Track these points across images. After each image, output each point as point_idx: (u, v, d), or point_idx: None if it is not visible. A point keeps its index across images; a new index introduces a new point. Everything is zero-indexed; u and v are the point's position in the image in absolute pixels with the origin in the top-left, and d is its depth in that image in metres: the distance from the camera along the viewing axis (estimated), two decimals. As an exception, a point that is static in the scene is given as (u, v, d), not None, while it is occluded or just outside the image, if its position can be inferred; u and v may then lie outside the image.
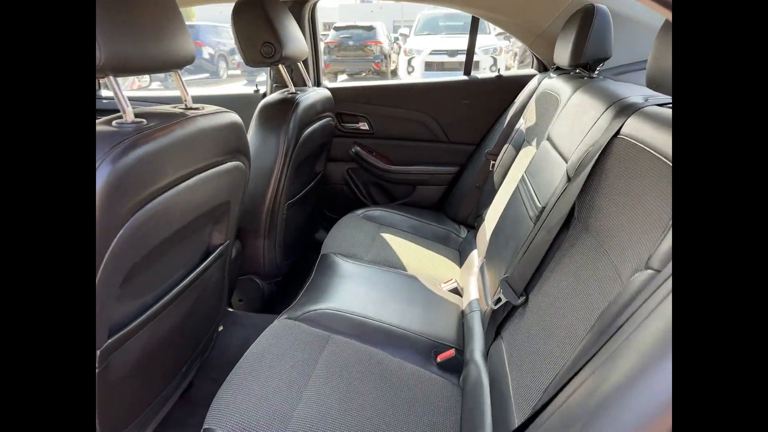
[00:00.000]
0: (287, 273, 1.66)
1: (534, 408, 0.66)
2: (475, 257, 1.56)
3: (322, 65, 1.98)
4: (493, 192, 1.65)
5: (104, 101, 2.14)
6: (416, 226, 1.76)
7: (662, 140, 0.68)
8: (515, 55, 8.09)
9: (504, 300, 0.99)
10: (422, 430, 0.89)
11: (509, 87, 1.82)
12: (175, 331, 0.96)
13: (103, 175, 0.60)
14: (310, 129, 1.51)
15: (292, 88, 1.52)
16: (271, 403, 0.87)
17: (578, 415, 0.47)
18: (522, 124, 1.63)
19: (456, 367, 1.11)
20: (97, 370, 0.71)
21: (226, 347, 1.39)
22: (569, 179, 0.91)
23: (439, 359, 1.11)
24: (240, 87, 2.09)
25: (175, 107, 0.85)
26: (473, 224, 1.79)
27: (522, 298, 0.95)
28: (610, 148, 0.83)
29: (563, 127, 1.12)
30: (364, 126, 1.99)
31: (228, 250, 1.11)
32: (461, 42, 7.60)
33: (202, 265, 0.99)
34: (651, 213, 0.65)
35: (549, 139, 1.20)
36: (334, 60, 9.72)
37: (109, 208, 0.61)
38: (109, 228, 0.62)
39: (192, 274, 0.95)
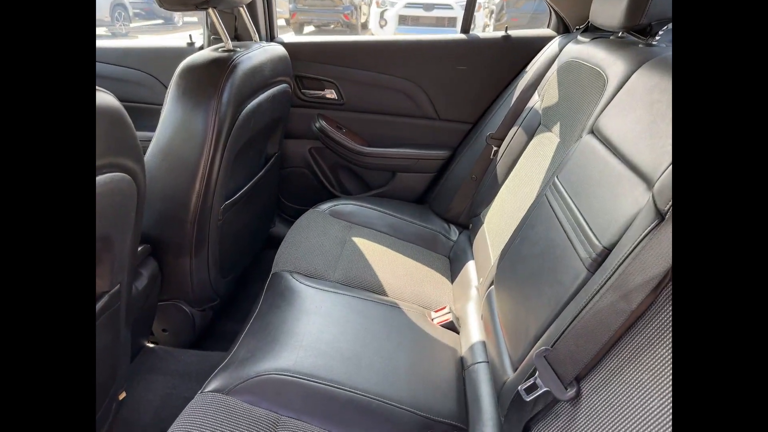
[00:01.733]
0: (227, 293, 1.27)
1: None
2: (472, 273, 1.23)
3: (276, 13, 1.51)
4: (495, 186, 1.30)
5: None
6: (396, 225, 1.40)
7: None
8: (491, 12, 7.58)
9: (542, 389, 0.65)
10: None
11: (520, 51, 1.43)
12: None
13: None
14: (254, 101, 1.09)
15: (229, 44, 1.08)
16: None
17: None
18: (537, 102, 1.26)
19: (459, 459, 0.79)
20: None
21: (139, 406, 1.01)
22: (662, 217, 0.56)
23: (435, 447, 0.79)
24: (175, 38, 1.60)
25: None
26: (467, 224, 1.44)
27: (571, 391, 0.61)
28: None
29: (629, 123, 0.75)
30: (331, 94, 1.57)
31: (117, 299, 0.72)
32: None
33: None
34: None
35: (597, 133, 0.84)
36: (300, 9, 8.91)
37: None
38: None
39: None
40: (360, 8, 9.41)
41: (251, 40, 1.33)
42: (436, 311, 1.12)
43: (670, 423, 0.46)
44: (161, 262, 1.03)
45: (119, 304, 0.73)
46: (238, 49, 1.08)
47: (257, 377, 0.81)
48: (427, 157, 1.57)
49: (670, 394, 0.47)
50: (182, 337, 1.17)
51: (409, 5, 7.57)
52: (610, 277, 0.60)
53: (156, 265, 1.01)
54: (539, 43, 1.39)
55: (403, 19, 7.80)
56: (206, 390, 0.80)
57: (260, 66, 1.10)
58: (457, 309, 1.15)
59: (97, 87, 0.55)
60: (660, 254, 0.53)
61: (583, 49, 1.11)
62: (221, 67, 0.97)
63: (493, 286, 1.02)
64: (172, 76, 0.98)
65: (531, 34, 1.46)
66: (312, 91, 1.56)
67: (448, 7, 7.00)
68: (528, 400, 0.67)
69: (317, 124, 1.58)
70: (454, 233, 1.45)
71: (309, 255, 1.17)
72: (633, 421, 0.50)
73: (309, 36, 1.58)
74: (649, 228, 0.57)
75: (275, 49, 1.24)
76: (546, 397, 0.65)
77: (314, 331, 0.93)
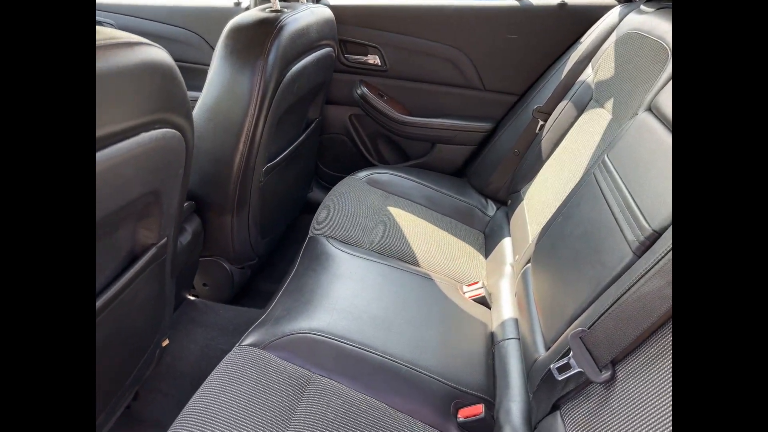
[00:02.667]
0: (266, 253, 1.31)
1: None
2: (507, 250, 1.21)
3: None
4: (539, 163, 1.26)
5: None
6: (432, 197, 1.39)
7: None
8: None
9: (575, 369, 0.64)
10: None
11: (576, 20, 1.35)
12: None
13: None
14: (299, 64, 1.08)
15: (277, 4, 1.07)
16: None
17: None
18: (590, 76, 1.20)
19: (484, 430, 0.80)
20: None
21: (180, 353, 1.07)
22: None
23: (460, 416, 0.80)
24: None
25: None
26: (505, 200, 1.41)
27: (606, 374, 0.60)
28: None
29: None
30: (374, 60, 1.54)
31: (167, 251, 0.75)
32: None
33: (118, 284, 0.64)
34: None
35: (656, 111, 0.80)
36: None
37: None
38: None
39: (103, 297, 0.60)
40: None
41: (298, 0, 1.31)
42: (468, 285, 1.12)
43: None
44: (204, 219, 1.07)
45: (165, 257, 0.76)
46: (285, 10, 1.07)
47: (291, 335, 0.84)
48: (469, 128, 1.53)
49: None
50: (221, 292, 1.22)
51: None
52: (657, 262, 0.57)
53: (199, 222, 1.04)
54: (597, 12, 1.30)
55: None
56: (243, 343, 0.84)
57: (306, 28, 1.09)
58: (490, 285, 1.14)
59: (150, 42, 0.56)
60: None
61: (645, 20, 1.04)
62: (268, 27, 0.96)
63: (529, 264, 1.00)
64: (220, 36, 0.99)
65: (589, 2, 1.37)
66: (355, 56, 1.54)
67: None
68: (559, 379, 0.66)
69: (359, 91, 1.57)
70: (491, 208, 1.43)
71: (345, 222, 1.18)
72: (669, 409, 0.49)
73: (356, -1, 1.54)
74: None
75: (322, 11, 1.22)
76: (578, 377, 0.64)
77: (348, 296, 0.95)
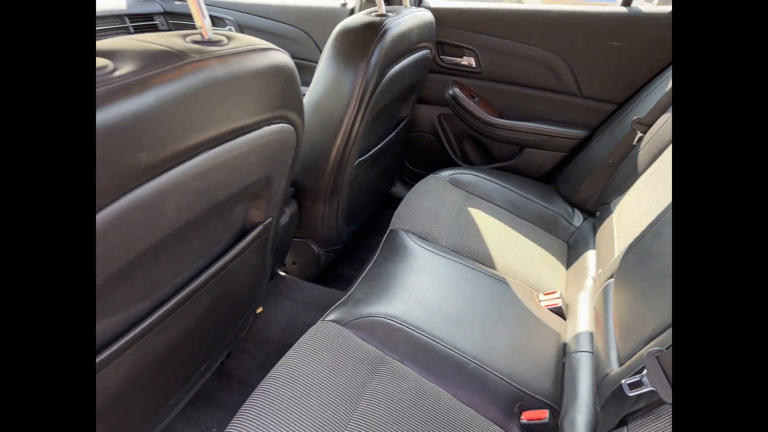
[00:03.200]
0: (349, 240, 1.40)
1: None
2: (591, 262, 1.18)
3: (427, -25, 1.53)
4: (633, 176, 1.21)
5: (176, 3, 1.90)
6: (516, 202, 1.39)
7: None
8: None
9: (647, 388, 0.64)
10: None
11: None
12: (187, 336, 0.75)
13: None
14: (398, 66, 1.15)
15: (383, 8, 1.14)
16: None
17: None
18: (701, 88, 1.12)
19: (547, 434, 0.81)
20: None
21: (269, 321, 1.20)
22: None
23: (524, 418, 0.82)
24: None
25: (187, 36, 0.55)
26: (593, 212, 1.37)
27: (681, 397, 0.59)
28: None
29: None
30: (469, 62, 1.56)
31: (270, 229, 0.85)
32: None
33: (232, 252, 0.74)
34: None
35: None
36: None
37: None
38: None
39: (215, 266, 0.71)
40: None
41: (401, 4, 1.37)
42: (545, 294, 1.11)
43: None
44: (300, 204, 1.17)
45: (268, 234, 0.87)
46: (390, 14, 1.13)
47: (369, 317, 0.91)
48: (562, 135, 1.50)
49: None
50: (308, 271, 1.33)
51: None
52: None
53: (296, 207, 1.15)
54: (717, 19, 1.21)
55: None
56: (326, 319, 0.92)
57: (408, 32, 1.14)
58: (568, 296, 1.13)
59: (277, 47, 0.65)
60: None
61: None
62: (373, 31, 1.03)
63: (612, 279, 0.98)
64: (329, 37, 1.08)
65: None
66: (450, 58, 1.57)
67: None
68: (630, 395, 0.66)
69: (450, 91, 1.60)
70: (577, 219, 1.40)
71: (425, 218, 1.23)
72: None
73: (456, 1, 1.57)
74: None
75: (423, 15, 1.27)
76: (650, 396, 0.64)
77: (422, 288, 1.00)
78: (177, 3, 1.85)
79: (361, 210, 1.42)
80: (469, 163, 1.72)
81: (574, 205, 1.43)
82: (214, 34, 0.57)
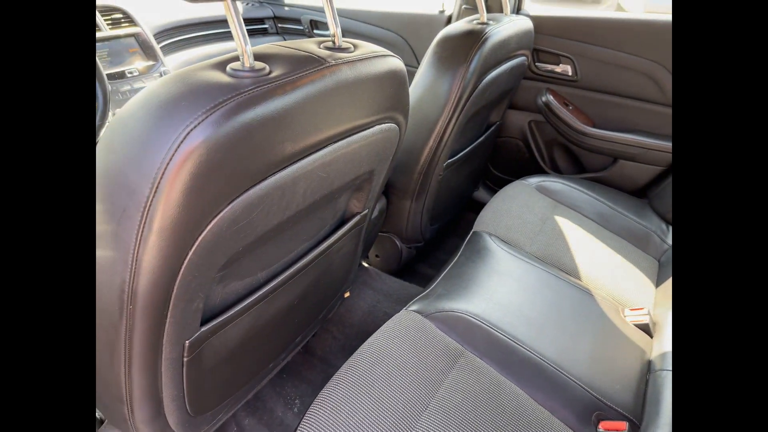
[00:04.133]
0: (431, 237, 1.45)
1: None
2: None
3: (529, -17, 1.53)
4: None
5: (285, 9, 2.06)
6: (606, 215, 1.35)
7: None
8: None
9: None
10: None
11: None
12: (290, 309, 0.84)
13: (193, 144, 0.43)
14: (495, 72, 1.17)
15: (484, 16, 1.17)
16: (376, 429, 0.71)
17: None
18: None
19: (624, 448, 0.80)
20: (185, 360, 0.61)
21: (352, 307, 1.28)
22: None
23: (602, 428, 0.82)
24: (424, 2, 1.79)
25: (321, 44, 0.63)
26: (691, 230, 1.30)
27: None
28: None
29: None
30: (565, 69, 1.54)
31: (366, 219, 0.92)
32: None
33: (332, 238, 0.82)
34: None
35: None
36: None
37: (196, 194, 0.45)
38: (192, 221, 0.46)
39: (318, 249, 0.80)
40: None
41: (502, 11, 1.40)
42: (631, 309, 1.08)
43: None
44: (388, 200, 1.24)
45: (363, 224, 0.94)
46: (491, 22, 1.16)
47: (451, 312, 0.95)
48: (660, 148, 1.43)
49: None
50: (390, 265, 1.40)
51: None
52: None
53: (385, 202, 1.22)
54: None
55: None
56: (409, 308, 0.98)
57: (507, 39, 1.17)
58: (656, 314, 1.09)
59: (393, 54, 0.71)
60: None
61: None
62: (475, 39, 1.07)
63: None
64: (432, 42, 1.13)
65: None
66: (546, 65, 1.56)
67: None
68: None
69: (543, 98, 1.59)
70: (671, 236, 1.33)
71: (510, 223, 1.24)
72: None
73: (555, 8, 1.55)
74: None
75: (523, 23, 1.28)
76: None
77: (504, 291, 1.02)
78: (286, 9, 2.02)
79: (446, 210, 1.46)
80: (557, 171, 1.69)
81: (668, 222, 1.36)
82: (343, 41, 0.65)
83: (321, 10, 1.97)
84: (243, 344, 0.74)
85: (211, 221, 0.48)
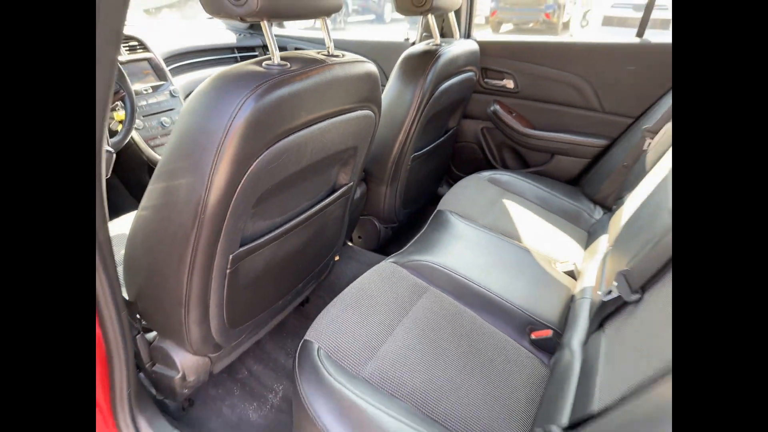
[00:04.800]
0: (403, 221, 1.73)
1: (611, 404, 0.63)
2: (604, 243, 1.43)
3: (481, 16, 1.89)
4: (642, 174, 1.46)
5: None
6: (544, 198, 1.66)
7: None
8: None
9: (616, 294, 0.91)
10: (499, 397, 0.91)
11: (691, 54, 1.53)
12: (296, 253, 1.09)
13: (247, 109, 0.70)
14: (447, 83, 1.49)
15: (438, 40, 1.50)
16: (362, 333, 0.96)
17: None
18: (696, 101, 1.38)
19: (549, 348, 1.07)
20: (228, 271, 0.86)
21: (341, 275, 1.53)
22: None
23: (533, 336, 1.09)
24: (391, 34, 2.13)
25: (319, 53, 0.92)
26: (611, 206, 1.62)
27: (636, 296, 0.86)
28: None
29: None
30: (508, 84, 1.88)
31: (351, 191, 1.20)
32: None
33: (326, 201, 1.09)
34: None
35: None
36: (502, 8, 9.14)
37: (247, 141, 0.72)
38: (247, 156, 0.73)
39: (316, 207, 1.06)
40: (564, 7, 9.18)
41: (453, 36, 1.73)
42: (561, 262, 1.37)
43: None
44: (368, 187, 1.52)
45: (349, 195, 1.21)
46: (443, 44, 1.49)
47: (419, 261, 1.22)
48: (586, 143, 1.77)
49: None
50: (370, 243, 1.67)
51: (617, 5, 7.19)
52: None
53: (365, 188, 1.50)
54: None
55: (608, 20, 7.44)
56: (387, 261, 1.24)
57: (456, 57, 1.49)
58: (582, 267, 1.38)
59: (368, 60, 1.00)
60: None
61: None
62: (430, 56, 1.39)
63: (611, 247, 1.24)
64: (397, 62, 1.44)
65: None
66: (493, 81, 1.90)
67: (663, 7, 6.44)
68: (605, 300, 0.93)
69: (491, 108, 1.92)
70: (598, 213, 1.64)
71: (467, 204, 1.53)
72: (670, 317, 0.74)
73: (499, 35, 1.91)
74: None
75: (470, 44, 1.62)
76: (617, 300, 0.90)
77: (460, 249, 1.30)
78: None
79: (414, 198, 1.75)
80: (506, 167, 2.01)
81: (595, 203, 1.68)
82: (335, 51, 0.94)
83: (303, 40, 2.29)
84: (264, 273, 0.99)
85: (256, 159, 0.75)
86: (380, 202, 1.54)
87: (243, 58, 2.23)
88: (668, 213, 0.92)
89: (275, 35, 2.40)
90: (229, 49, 2.19)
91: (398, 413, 0.82)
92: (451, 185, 2.14)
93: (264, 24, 0.78)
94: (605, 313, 0.94)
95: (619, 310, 0.91)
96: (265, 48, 2.34)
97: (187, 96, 1.79)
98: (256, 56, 2.32)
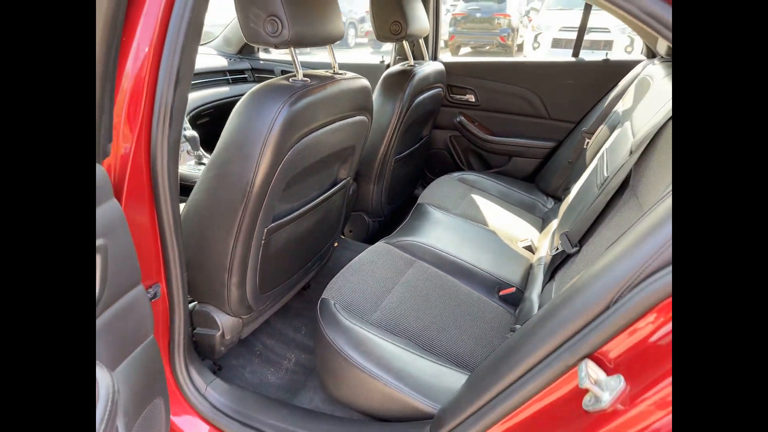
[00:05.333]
0: (388, 215, 1.99)
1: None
2: (554, 225, 1.73)
3: (441, 40, 2.21)
4: (583, 168, 1.78)
5: (260, 62, 2.63)
6: (505, 193, 1.96)
7: None
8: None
9: (560, 249, 1.19)
10: (474, 335, 1.16)
11: (615, 71, 1.89)
12: (308, 234, 1.33)
13: (284, 113, 0.94)
14: (421, 97, 1.78)
15: (412, 62, 1.79)
16: (367, 291, 1.21)
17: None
18: (620, 107, 1.72)
19: (514, 302, 1.34)
20: (262, 242, 1.09)
21: (337, 262, 1.77)
22: (631, 153, 1.07)
23: (501, 293, 1.36)
24: (368, 56, 2.42)
25: (327, 71, 1.18)
26: (561, 196, 1.94)
27: (576, 248, 1.15)
28: (664, 129, 0.98)
29: (642, 110, 1.25)
30: (470, 98, 2.20)
31: (348, 185, 1.45)
32: (597, 19, 7.13)
33: (330, 191, 1.34)
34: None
35: (630, 120, 1.33)
36: (459, 32, 9.70)
37: (284, 137, 0.96)
38: (283, 148, 0.97)
39: (323, 196, 1.30)
40: (517, 31, 9.86)
41: (423, 59, 2.04)
42: (521, 240, 1.66)
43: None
44: (359, 186, 1.78)
45: (347, 188, 1.46)
46: (416, 65, 1.78)
47: (407, 241, 1.48)
48: (537, 146, 2.10)
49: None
50: (361, 235, 1.91)
51: (564, 29, 7.85)
52: (604, 189, 1.12)
53: (356, 186, 1.75)
54: (631, 65, 1.83)
55: (557, 42, 8.08)
56: (381, 242, 1.49)
57: (427, 76, 1.79)
58: (538, 245, 1.67)
59: (362, 77, 1.27)
60: (623, 171, 1.05)
61: (653, 69, 1.56)
62: (407, 75, 1.68)
63: (557, 220, 1.53)
64: (379, 80, 1.72)
65: (625, 58, 1.90)
66: (457, 96, 2.22)
67: (605, 30, 7.11)
68: (554, 254, 1.21)
69: (457, 119, 2.23)
70: (550, 203, 1.96)
71: (442, 197, 1.81)
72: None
73: (460, 57, 2.23)
74: (624, 160, 1.08)
75: (437, 65, 1.92)
76: (562, 254, 1.19)
77: (439, 231, 1.57)
78: (261, 62, 2.58)
79: (397, 194, 2.02)
80: (472, 169, 2.32)
81: (547, 195, 2.00)
82: (339, 69, 1.20)
83: (288, 63, 2.55)
84: (285, 247, 1.22)
85: (289, 150, 0.99)
86: (368, 198, 1.80)
87: (234, 80, 2.47)
88: (597, 187, 1.22)
89: (264, 59, 2.66)
90: (222, 72, 2.43)
91: (401, 344, 1.06)
92: (425, 187, 2.42)
93: (291, 50, 1.04)
94: (554, 266, 1.22)
95: (564, 262, 1.19)
96: (253, 71, 2.59)
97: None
98: (245, 78, 2.56)
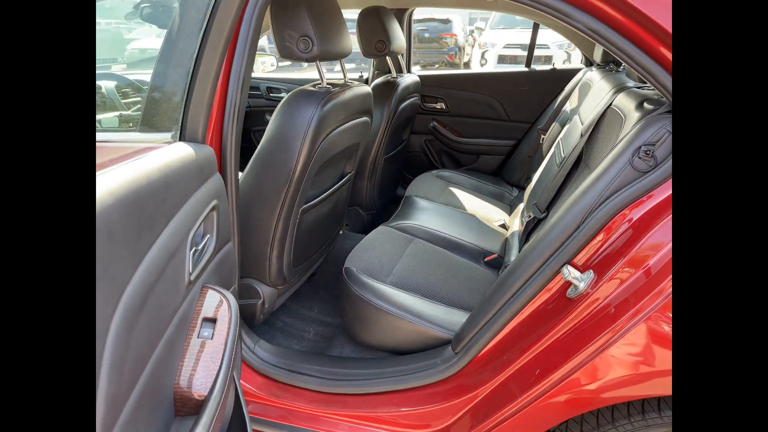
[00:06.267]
0: (380, 209, 2.25)
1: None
2: (521, 208, 2.05)
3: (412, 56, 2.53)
4: (540, 159, 2.13)
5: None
6: (477, 186, 2.27)
7: (625, 104, 1.16)
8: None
9: (532, 216, 1.50)
10: (469, 288, 1.43)
11: (561, 78, 2.27)
12: (324, 218, 1.57)
13: (318, 113, 1.19)
14: (403, 104, 2.07)
15: (395, 74, 2.09)
16: (380, 261, 1.46)
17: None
18: (568, 107, 2.09)
19: (497, 265, 1.63)
20: (297, 220, 1.32)
21: (339, 251, 2.00)
22: (581, 136, 1.40)
23: (486, 259, 1.65)
24: (310, 75, 2.71)
25: (339, 80, 1.44)
26: (524, 186, 2.27)
27: (544, 214, 1.45)
28: (605, 114, 1.31)
29: (587, 105, 1.59)
30: (441, 106, 2.52)
31: (351, 178, 1.70)
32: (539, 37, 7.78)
33: (340, 183, 1.59)
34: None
35: (578, 114, 1.68)
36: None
37: (317, 132, 1.21)
38: (315, 143, 1.22)
39: (335, 186, 1.55)
40: (464, 49, 10.51)
41: (401, 71, 2.34)
42: (495, 220, 1.97)
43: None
44: (354, 182, 2.03)
45: (350, 182, 1.71)
46: (398, 77, 2.07)
47: (404, 224, 1.74)
48: (501, 144, 2.44)
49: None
50: (356, 228, 2.15)
51: (508, 46, 8.52)
52: (563, 165, 1.44)
53: (352, 183, 2.00)
54: (574, 73, 2.22)
55: (502, 59, 8.74)
56: (381, 226, 1.74)
57: (408, 86, 2.08)
58: (509, 223, 1.99)
59: (366, 85, 1.54)
60: (577, 150, 1.37)
61: (591, 74, 1.93)
62: (392, 86, 1.96)
63: (526, 203, 1.85)
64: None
65: (569, 67, 2.29)
66: (430, 104, 2.54)
67: (545, 47, 7.81)
68: (527, 221, 1.51)
69: (431, 124, 2.55)
70: (515, 192, 2.29)
71: (425, 190, 2.09)
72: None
73: (431, 70, 2.55)
74: (576, 142, 1.41)
75: (413, 77, 2.22)
76: (534, 220, 1.49)
77: (429, 216, 1.85)
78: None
79: (386, 190, 2.28)
80: (446, 168, 2.63)
81: (512, 185, 2.33)
82: (348, 80, 1.46)
83: (274, 80, 2.79)
84: (309, 228, 1.45)
85: (321, 143, 1.23)
86: (363, 193, 2.05)
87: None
88: (557, 166, 1.54)
89: (253, 77, 2.88)
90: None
91: (415, 296, 1.32)
92: (405, 188, 2.71)
93: (317, 63, 1.29)
94: (528, 230, 1.52)
95: (536, 227, 1.50)
96: (268, 89, 2.82)
97: None
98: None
